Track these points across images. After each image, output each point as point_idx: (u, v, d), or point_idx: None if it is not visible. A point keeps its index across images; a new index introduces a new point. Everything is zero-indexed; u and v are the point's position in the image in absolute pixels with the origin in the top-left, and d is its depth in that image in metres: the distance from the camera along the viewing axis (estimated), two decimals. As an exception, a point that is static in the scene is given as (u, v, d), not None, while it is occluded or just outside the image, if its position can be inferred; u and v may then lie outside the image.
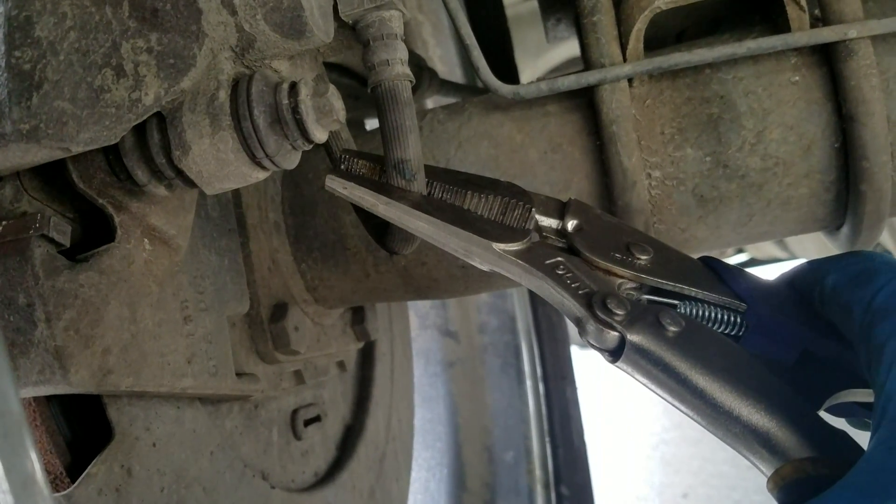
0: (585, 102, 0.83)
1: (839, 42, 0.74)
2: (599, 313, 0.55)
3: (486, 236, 0.59)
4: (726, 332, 0.59)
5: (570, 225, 0.63)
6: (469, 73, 1.66)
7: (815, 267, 0.57)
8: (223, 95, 0.54)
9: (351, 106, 1.22)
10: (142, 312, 0.62)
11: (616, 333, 0.54)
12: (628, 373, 0.55)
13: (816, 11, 0.79)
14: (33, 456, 0.30)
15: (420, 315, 1.59)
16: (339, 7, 0.60)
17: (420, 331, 1.61)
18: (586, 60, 0.82)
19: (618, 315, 0.54)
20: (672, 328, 0.54)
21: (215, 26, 0.55)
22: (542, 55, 2.69)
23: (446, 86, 1.34)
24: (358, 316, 1.09)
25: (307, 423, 0.99)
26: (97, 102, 0.53)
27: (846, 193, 0.80)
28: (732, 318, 0.59)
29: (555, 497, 1.52)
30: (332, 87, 0.57)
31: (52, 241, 0.56)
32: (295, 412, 0.97)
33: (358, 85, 1.27)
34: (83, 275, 0.57)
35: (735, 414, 0.50)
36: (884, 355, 0.44)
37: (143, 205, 0.61)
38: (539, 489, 1.52)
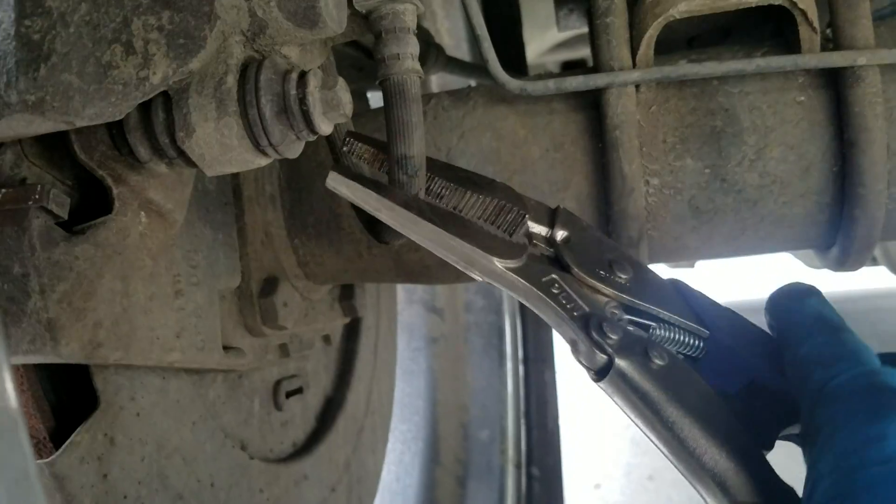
0: (591, 102, 0.83)
1: (848, 67, 0.74)
2: (595, 335, 0.57)
3: (490, 252, 0.60)
4: (688, 353, 0.62)
5: (560, 235, 0.64)
6: (476, 51, 1.64)
7: (795, 324, 0.59)
8: (231, 80, 0.54)
9: (355, 76, 1.21)
10: (134, 286, 0.62)
11: (605, 357, 0.56)
12: (608, 393, 0.58)
13: (828, 30, 0.79)
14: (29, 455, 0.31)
15: (407, 289, 1.60)
16: None
17: (406, 305, 1.62)
18: (596, 61, 0.81)
19: (611, 339, 0.57)
20: (658, 361, 0.56)
21: (228, 9, 0.54)
22: (550, 29, 2.67)
23: (452, 63, 1.33)
24: (346, 292, 1.10)
25: (289, 394, 1.00)
26: (104, 78, 0.53)
27: (840, 216, 0.80)
28: (695, 343, 0.62)
29: (525, 477, 1.55)
30: (340, 81, 0.57)
31: (50, 212, 0.55)
32: (278, 383, 0.98)
33: (363, 56, 1.26)
34: (79, 247, 0.57)
35: (699, 452, 0.54)
36: (819, 436, 0.48)
37: (142, 178, 0.61)
38: (510, 469, 1.55)
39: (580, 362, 0.59)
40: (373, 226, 0.75)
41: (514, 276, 0.60)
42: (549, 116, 0.86)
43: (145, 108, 0.56)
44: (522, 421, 1.59)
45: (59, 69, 0.52)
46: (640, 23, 0.78)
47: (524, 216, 0.62)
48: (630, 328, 0.59)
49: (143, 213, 0.63)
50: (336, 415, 1.13)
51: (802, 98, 0.78)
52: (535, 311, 0.61)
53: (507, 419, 1.59)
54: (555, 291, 0.60)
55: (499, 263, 0.60)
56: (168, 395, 0.72)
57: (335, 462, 1.09)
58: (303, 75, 0.56)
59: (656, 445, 0.56)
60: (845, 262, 0.83)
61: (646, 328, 0.61)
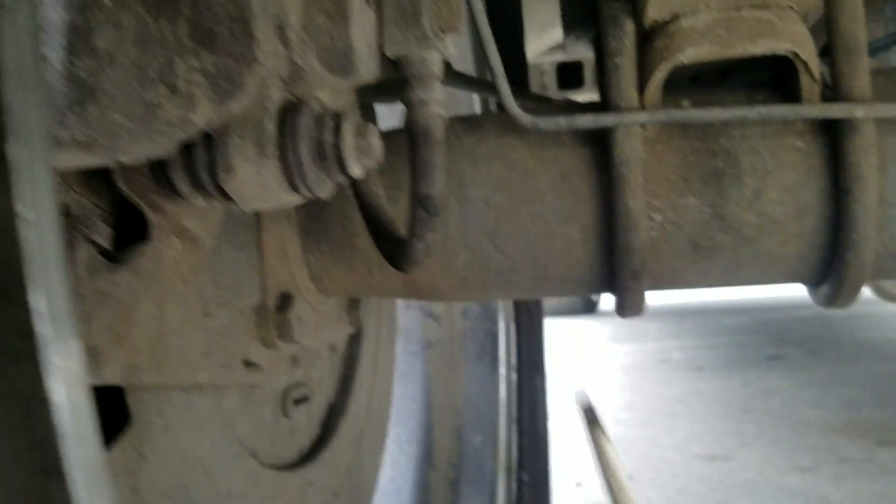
0: (598, 137, 0.87)
1: (845, 118, 0.78)
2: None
3: None
4: None
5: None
6: (480, 64, 1.68)
7: None
8: (271, 125, 0.57)
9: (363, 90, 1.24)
10: (168, 310, 0.65)
11: None
12: None
13: (826, 76, 0.83)
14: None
15: (406, 294, 1.64)
16: (386, 45, 0.63)
17: (404, 310, 1.66)
18: (604, 99, 0.85)
19: None
20: None
21: (268, 55, 0.58)
22: (549, 30, 2.72)
23: (458, 77, 1.36)
24: (353, 301, 1.13)
25: (296, 402, 1.04)
26: (150, 118, 0.56)
27: (831, 258, 0.85)
28: None
29: (515, 481, 1.60)
30: (372, 127, 0.61)
31: (94, 243, 0.59)
32: (286, 392, 1.02)
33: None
34: (120, 275, 0.60)
35: None
36: None
37: (178, 208, 0.65)
38: (502, 473, 1.60)
39: None
40: (390, 252, 0.78)
41: None
42: (558, 149, 0.89)
43: (187, 146, 0.60)
44: (514, 426, 1.63)
45: (107, 108, 0.55)
46: (649, 65, 0.82)
47: None
48: None
49: (177, 238, 0.66)
50: (339, 421, 1.16)
51: (800, 144, 0.83)
52: None
53: (500, 424, 1.64)
54: None
55: None
56: (191, 410, 0.76)
57: (338, 467, 1.13)
58: (338, 121, 0.59)
59: None
60: (835, 300, 0.87)
61: None
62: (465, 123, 0.95)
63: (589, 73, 3.13)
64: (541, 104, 1.40)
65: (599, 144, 0.87)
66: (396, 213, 0.89)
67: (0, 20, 0.32)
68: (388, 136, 0.97)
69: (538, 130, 0.85)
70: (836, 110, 0.78)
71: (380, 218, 0.82)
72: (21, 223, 0.30)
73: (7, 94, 0.31)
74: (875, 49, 1.33)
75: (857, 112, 0.77)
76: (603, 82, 0.85)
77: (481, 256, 0.92)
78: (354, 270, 0.98)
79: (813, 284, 0.92)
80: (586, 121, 0.83)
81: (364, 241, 0.95)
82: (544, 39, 2.81)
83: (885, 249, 0.83)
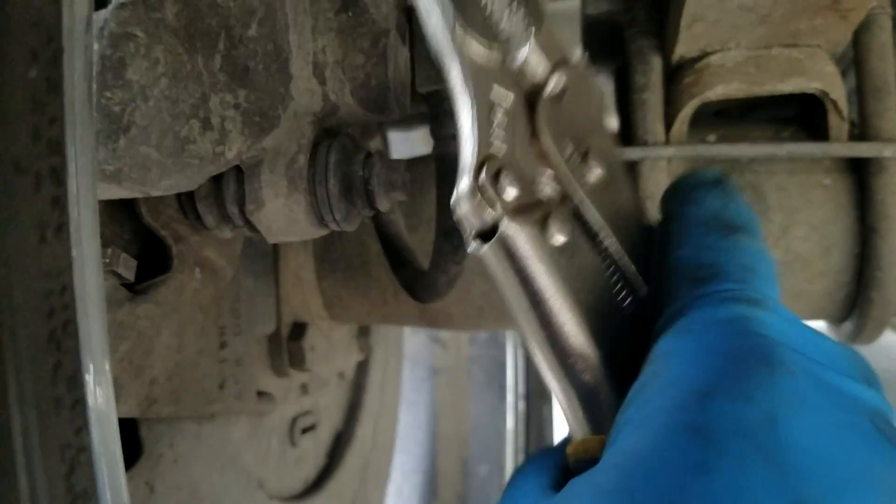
0: (628, 167, 0.86)
1: (873, 157, 0.77)
2: (484, 181, 0.41)
3: (463, 13, 0.42)
4: None
5: (554, 82, 0.45)
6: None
7: (683, 220, 0.45)
8: (303, 160, 0.56)
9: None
10: (187, 341, 0.64)
11: (493, 214, 0.42)
12: (486, 262, 0.44)
13: (853, 116, 0.82)
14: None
15: (412, 319, 1.62)
16: (417, 82, 0.62)
17: (410, 335, 1.64)
18: (631, 134, 0.84)
19: (507, 193, 0.42)
20: (558, 237, 0.43)
21: (303, 92, 0.57)
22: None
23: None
24: (363, 329, 1.12)
25: (304, 430, 1.02)
26: (182, 152, 0.55)
27: (856, 295, 0.84)
28: (623, 293, 0.46)
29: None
30: (400, 161, 0.59)
31: (117, 274, 0.57)
32: (294, 420, 1.00)
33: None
34: (141, 307, 0.59)
35: (575, 361, 0.43)
36: (644, 377, 0.37)
37: (201, 238, 0.63)
38: (506, 504, 1.57)
39: (461, 219, 0.43)
40: (410, 283, 0.77)
41: (462, 55, 0.42)
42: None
43: (216, 179, 0.58)
44: (521, 457, 1.61)
45: (138, 141, 0.54)
46: (676, 100, 0.81)
47: (532, 29, 0.45)
48: (534, 186, 0.45)
49: (198, 268, 0.65)
50: (345, 450, 1.14)
51: (827, 181, 0.82)
52: (459, 118, 0.43)
53: (506, 455, 1.61)
54: (494, 103, 0.43)
55: (458, 29, 0.41)
56: (201, 441, 0.74)
57: (343, 498, 1.11)
58: (368, 156, 0.58)
59: (522, 332, 0.45)
60: (857, 337, 0.86)
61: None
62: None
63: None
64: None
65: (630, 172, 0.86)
66: (415, 242, 0.88)
67: (59, 63, 0.31)
68: (410, 165, 0.96)
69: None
70: (864, 149, 0.77)
71: (400, 248, 0.80)
72: (75, 270, 0.29)
73: (65, 137, 0.30)
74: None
75: (886, 151, 0.76)
76: (629, 117, 0.85)
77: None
78: (369, 298, 0.96)
79: (836, 322, 0.91)
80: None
81: (379, 269, 0.94)
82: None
83: None
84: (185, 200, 0.60)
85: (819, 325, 0.96)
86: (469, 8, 0.42)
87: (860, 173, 0.80)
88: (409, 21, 0.62)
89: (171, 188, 0.55)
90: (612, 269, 0.46)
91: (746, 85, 0.77)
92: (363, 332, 1.11)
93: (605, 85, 1.09)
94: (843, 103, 0.78)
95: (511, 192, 0.42)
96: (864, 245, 0.80)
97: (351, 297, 0.97)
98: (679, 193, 0.47)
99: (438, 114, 0.64)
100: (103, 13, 0.55)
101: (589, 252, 0.45)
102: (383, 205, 0.59)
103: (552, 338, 0.43)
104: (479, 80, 0.42)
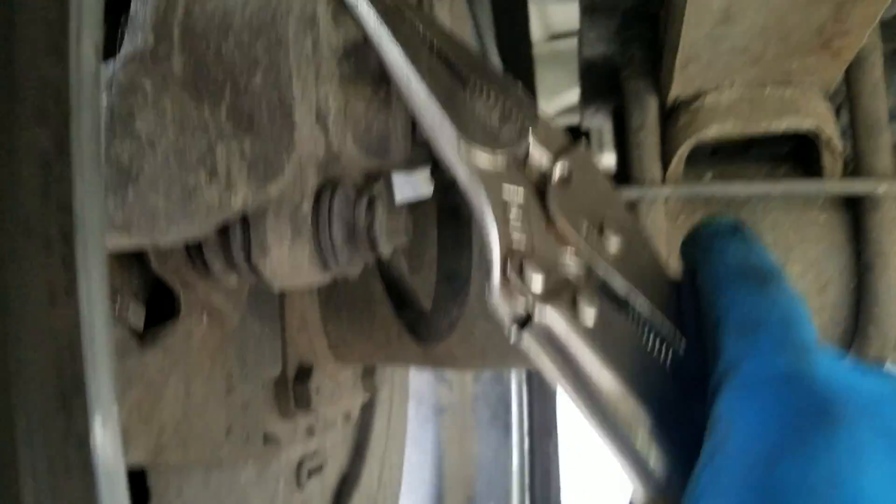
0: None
1: (867, 194, 0.79)
2: (512, 275, 0.45)
3: (464, 132, 0.48)
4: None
5: (560, 169, 0.50)
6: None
7: (713, 272, 0.46)
8: (307, 207, 0.58)
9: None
10: (194, 387, 0.65)
11: (524, 303, 0.45)
12: (526, 350, 0.47)
13: (848, 152, 0.84)
14: None
15: (417, 357, 1.62)
16: (418, 130, 0.64)
17: (416, 374, 1.64)
18: (627, 173, 0.86)
19: (535, 282, 0.45)
20: (590, 312, 0.45)
21: (306, 139, 0.58)
22: (559, 95, 2.76)
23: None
24: (369, 369, 1.12)
25: (310, 472, 1.02)
26: (189, 201, 0.56)
27: (854, 330, 0.84)
28: (661, 349, 0.48)
29: (527, 552, 1.56)
30: (401, 207, 0.61)
31: (126, 323, 0.58)
32: (300, 463, 1.00)
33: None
34: (149, 355, 0.59)
35: (628, 431, 0.45)
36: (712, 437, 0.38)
37: (208, 285, 0.64)
38: (514, 544, 1.56)
39: (495, 308, 0.47)
40: (413, 325, 0.78)
41: (474, 166, 0.48)
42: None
43: (223, 227, 0.60)
44: (527, 495, 1.60)
45: (146, 191, 0.55)
46: (672, 140, 0.83)
47: (527, 131, 0.50)
48: (559, 267, 0.47)
49: (205, 315, 0.66)
50: (351, 492, 1.14)
51: (823, 218, 0.83)
52: (476, 218, 0.48)
53: (513, 493, 1.60)
54: (506, 199, 0.47)
55: (465, 151, 0.48)
56: (209, 487, 0.74)
57: (350, 541, 1.10)
58: (371, 202, 0.60)
59: (579, 409, 0.46)
60: (859, 372, 0.87)
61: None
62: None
63: (595, 141, 3.18)
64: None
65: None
66: (418, 283, 0.89)
67: (68, 121, 0.33)
68: (411, 208, 0.97)
69: (561, 203, 0.85)
70: (857, 186, 0.78)
71: (403, 290, 0.81)
72: (84, 329, 0.30)
73: (74, 198, 0.31)
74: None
75: (879, 188, 0.77)
76: (626, 156, 0.86)
77: (500, 326, 0.92)
78: (373, 339, 0.97)
79: (837, 357, 0.91)
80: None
81: (383, 310, 0.95)
82: (553, 103, 2.86)
83: None
84: (193, 248, 0.61)
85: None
86: (469, 124, 0.49)
87: (855, 210, 0.81)
88: None
89: (179, 237, 0.56)
90: (646, 329, 0.47)
91: (741, 124, 0.78)
92: (368, 373, 1.11)
93: (604, 123, 1.11)
94: (836, 141, 0.79)
95: (537, 281, 0.45)
96: (860, 281, 0.81)
97: (356, 339, 0.97)
98: (700, 244, 0.49)
99: (439, 162, 0.66)
100: (112, 66, 0.56)
101: (622, 320, 0.47)
102: (385, 250, 0.60)
103: (601, 408, 0.45)
104: (490, 184, 0.47)
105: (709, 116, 0.79)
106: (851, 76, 0.81)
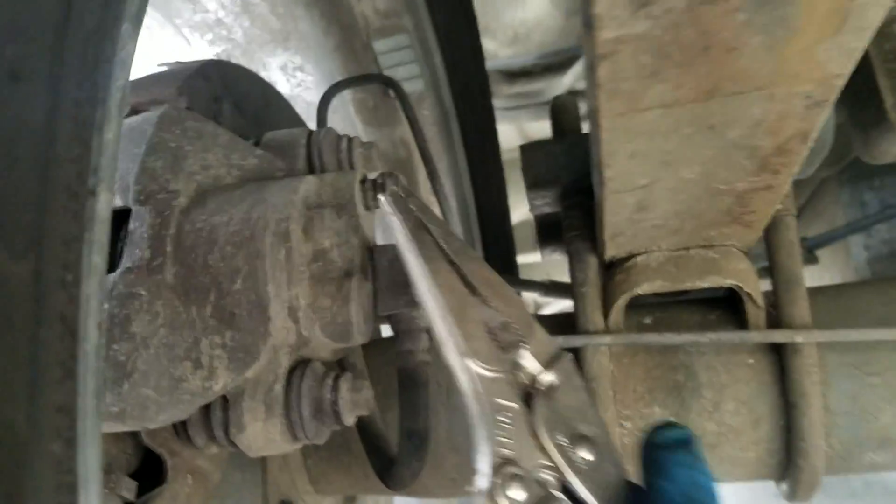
0: (574, 353, 0.97)
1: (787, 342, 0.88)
2: (497, 485, 0.53)
3: (470, 348, 0.57)
4: None
5: (547, 380, 0.59)
6: (468, 235, 1.81)
7: (663, 495, 0.54)
8: (279, 388, 0.67)
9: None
10: (180, 546, 0.72)
11: None
12: None
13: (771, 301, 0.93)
14: None
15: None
16: (380, 307, 0.73)
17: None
18: (575, 322, 0.95)
19: (517, 495, 0.53)
20: None
21: (280, 329, 0.67)
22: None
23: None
24: (349, 498, 1.19)
25: None
26: (176, 390, 0.65)
27: (787, 461, 0.92)
28: None
29: None
30: (365, 384, 0.70)
31: (119, 496, 0.66)
32: (283, 591, 1.06)
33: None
34: (140, 522, 0.67)
35: None
36: None
37: (193, 452, 0.73)
38: None
39: None
40: (382, 471, 0.86)
41: (476, 380, 0.57)
42: (537, 361, 0.99)
43: (205, 407, 0.68)
44: None
45: (139, 384, 0.64)
46: (611, 294, 0.93)
47: (522, 344, 0.59)
48: (537, 474, 0.55)
49: (189, 476, 0.74)
50: None
51: (751, 361, 0.92)
52: (474, 424, 0.57)
53: None
54: (500, 419, 0.56)
55: (468, 362, 0.57)
56: None
57: None
58: (336, 379, 0.69)
59: None
60: (794, 497, 0.94)
61: None
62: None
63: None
64: (525, 287, 1.52)
65: (576, 357, 0.96)
66: (390, 419, 0.97)
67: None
68: (383, 348, 1.06)
69: (516, 350, 0.94)
70: (777, 336, 0.87)
71: (373, 434, 0.90)
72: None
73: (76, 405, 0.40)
74: (833, 238, 1.46)
75: (798, 338, 0.87)
76: (574, 306, 0.96)
77: (469, 458, 1.00)
78: (352, 473, 1.04)
79: (777, 480, 0.99)
80: (559, 342, 0.93)
81: (359, 446, 1.03)
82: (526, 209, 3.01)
83: (835, 452, 0.91)
84: (178, 425, 0.70)
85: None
86: (474, 337, 0.58)
87: (779, 354, 0.91)
88: (371, 258, 0.74)
89: (167, 421, 0.65)
90: None
91: (669, 283, 0.88)
92: (350, 500, 1.18)
93: (562, 263, 1.21)
94: (757, 294, 0.89)
95: (520, 495, 0.53)
96: (788, 418, 0.90)
97: (335, 473, 1.05)
98: (653, 461, 0.56)
99: (398, 332, 0.75)
100: (112, 277, 0.67)
101: None
102: (349, 422, 0.69)
103: None
104: (486, 394, 0.56)
105: (640, 275, 0.89)
106: (769, 238, 0.91)
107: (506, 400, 0.57)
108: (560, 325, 1.01)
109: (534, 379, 0.59)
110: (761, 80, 0.53)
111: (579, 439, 0.56)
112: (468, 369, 0.57)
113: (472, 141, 1.77)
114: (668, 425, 0.58)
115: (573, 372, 0.60)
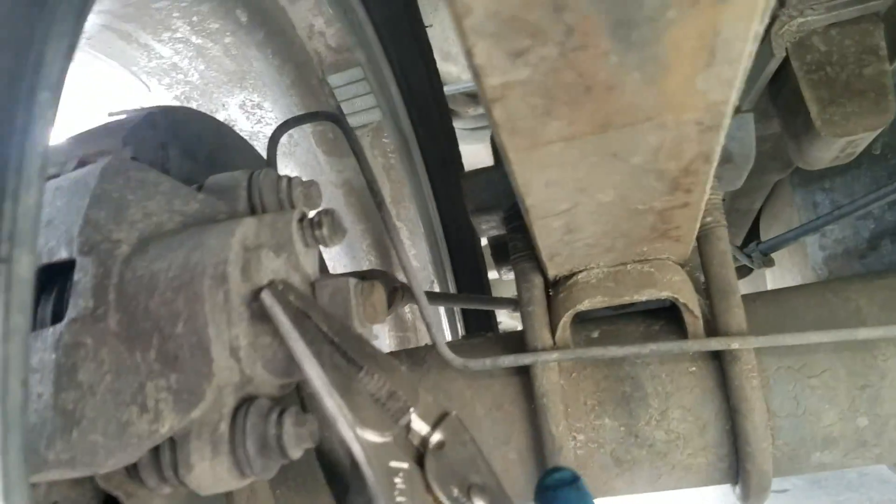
0: (524, 369, 1.00)
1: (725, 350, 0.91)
2: None
3: (357, 416, 0.62)
4: None
5: (435, 439, 0.64)
6: (440, 274, 1.84)
7: None
8: (224, 427, 0.69)
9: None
10: (140, 584, 0.74)
11: None
12: None
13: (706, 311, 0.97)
14: None
15: None
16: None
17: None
18: (524, 341, 0.98)
19: None
20: None
21: (223, 369, 0.70)
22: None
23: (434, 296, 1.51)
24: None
25: None
26: (123, 434, 0.67)
27: (736, 465, 0.95)
28: None
29: None
30: (310, 417, 0.72)
31: (77, 540, 0.69)
32: None
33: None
34: (98, 564, 0.69)
35: None
36: None
37: (149, 493, 0.75)
38: None
39: None
40: (340, 497, 0.88)
41: (366, 448, 0.61)
42: (491, 380, 1.02)
43: (154, 449, 0.71)
44: None
45: (88, 431, 0.66)
46: (557, 311, 0.96)
47: (409, 409, 0.65)
48: None
49: (148, 515, 0.76)
50: None
51: (693, 368, 0.95)
52: (373, 493, 0.60)
53: None
54: (396, 481, 0.60)
55: (359, 431, 0.61)
56: None
57: None
58: (281, 414, 0.71)
59: None
60: (746, 500, 0.97)
61: None
62: (411, 358, 1.08)
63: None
64: (496, 304, 1.55)
65: (526, 375, 1.00)
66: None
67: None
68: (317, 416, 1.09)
69: (468, 372, 0.98)
70: (714, 344, 0.91)
71: (332, 461, 0.92)
72: None
73: None
74: (785, 241, 1.50)
75: (734, 344, 0.90)
76: (523, 324, 0.99)
77: None
78: (318, 500, 1.07)
79: (730, 484, 1.02)
80: (509, 361, 0.96)
81: (326, 476, 1.05)
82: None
83: (782, 454, 0.94)
84: (131, 467, 0.72)
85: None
86: (362, 408, 0.63)
87: (719, 360, 0.94)
88: (314, 292, 0.77)
89: (116, 465, 0.67)
90: None
91: (608, 298, 0.91)
92: (321, 525, 1.20)
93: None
94: (693, 304, 0.92)
95: None
96: (733, 423, 0.93)
97: (303, 500, 1.07)
98: (546, 500, 0.64)
99: (302, 398, 0.78)
100: (59, 327, 0.69)
101: None
102: (295, 455, 0.71)
103: None
104: (378, 460, 0.61)
105: (581, 292, 0.92)
106: (702, 249, 0.95)
107: (398, 462, 0.61)
108: (510, 343, 1.04)
109: (423, 440, 0.64)
110: (648, 111, 0.56)
111: (472, 489, 0.62)
112: (359, 438, 0.61)
113: (435, 164, 1.81)
114: (556, 469, 0.66)
115: (460, 427, 0.65)
